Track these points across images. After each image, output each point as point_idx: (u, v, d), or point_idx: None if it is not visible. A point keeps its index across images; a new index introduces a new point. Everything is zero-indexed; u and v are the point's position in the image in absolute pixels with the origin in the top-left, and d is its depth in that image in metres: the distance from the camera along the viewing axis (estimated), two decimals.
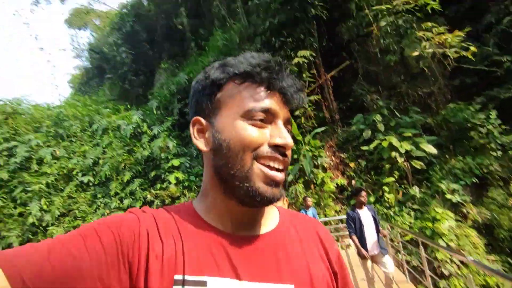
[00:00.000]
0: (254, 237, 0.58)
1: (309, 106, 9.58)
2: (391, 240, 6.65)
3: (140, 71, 19.58)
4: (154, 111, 12.30)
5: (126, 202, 10.04)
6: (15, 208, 10.51)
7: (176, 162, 10.10)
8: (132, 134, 11.65)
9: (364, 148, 8.67)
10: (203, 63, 11.92)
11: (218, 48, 11.52)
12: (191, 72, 12.24)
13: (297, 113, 9.47)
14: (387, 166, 8.18)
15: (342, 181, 8.64)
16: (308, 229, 0.66)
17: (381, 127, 8.62)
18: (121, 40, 19.08)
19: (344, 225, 5.78)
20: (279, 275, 0.54)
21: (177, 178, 9.89)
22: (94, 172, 11.16)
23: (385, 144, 8.05)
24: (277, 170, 0.55)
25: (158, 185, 10.10)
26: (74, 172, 11.14)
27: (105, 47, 20.45)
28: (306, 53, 9.26)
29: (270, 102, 0.55)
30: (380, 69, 9.89)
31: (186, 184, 9.87)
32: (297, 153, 9.20)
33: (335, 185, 8.54)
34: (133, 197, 10.17)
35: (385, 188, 7.96)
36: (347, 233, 5.14)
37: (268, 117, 0.55)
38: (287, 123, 0.58)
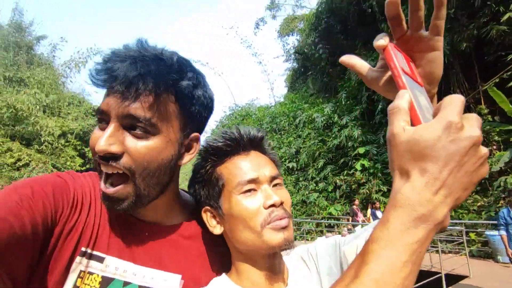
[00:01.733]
0: (160, 228, 0.63)
1: None
2: None
3: (337, 62, 20.77)
4: (343, 101, 13.04)
5: (321, 185, 11.53)
6: None
7: (361, 150, 10.46)
8: (325, 125, 13.01)
9: None
10: None
11: None
12: (377, 58, 11.90)
13: None
14: None
15: None
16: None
17: None
18: (318, 38, 21.01)
19: None
20: (171, 265, 0.60)
21: (362, 165, 10.26)
22: (296, 159, 13.50)
23: None
24: (109, 176, 0.54)
25: (345, 171, 10.89)
26: (283, 159, 13.97)
27: (305, 48, 23.16)
28: None
29: (103, 102, 0.53)
30: None
31: (371, 171, 10.04)
32: None
33: None
34: (326, 181, 11.52)
35: None
36: None
37: (106, 117, 0.53)
38: (124, 118, 0.52)
